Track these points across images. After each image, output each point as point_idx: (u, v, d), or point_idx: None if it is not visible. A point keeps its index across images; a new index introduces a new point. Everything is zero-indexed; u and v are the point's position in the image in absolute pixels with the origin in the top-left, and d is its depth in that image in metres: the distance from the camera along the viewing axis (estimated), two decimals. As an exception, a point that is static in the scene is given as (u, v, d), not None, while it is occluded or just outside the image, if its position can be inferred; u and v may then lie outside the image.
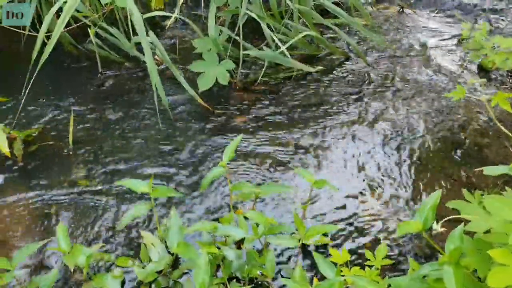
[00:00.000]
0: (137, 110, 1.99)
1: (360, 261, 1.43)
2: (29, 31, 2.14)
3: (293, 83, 2.17)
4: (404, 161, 1.79)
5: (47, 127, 1.88)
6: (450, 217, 0.97)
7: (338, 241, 1.50)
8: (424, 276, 1.06)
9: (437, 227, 0.94)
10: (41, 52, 1.79)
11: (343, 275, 1.28)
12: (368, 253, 1.40)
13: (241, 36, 2.10)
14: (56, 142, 1.82)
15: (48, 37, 1.85)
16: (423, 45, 2.48)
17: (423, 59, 2.37)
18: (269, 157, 1.80)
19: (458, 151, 1.83)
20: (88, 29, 2.10)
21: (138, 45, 2.15)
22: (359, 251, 1.46)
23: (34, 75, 1.74)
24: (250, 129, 1.91)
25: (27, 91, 1.78)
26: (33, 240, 1.48)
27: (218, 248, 1.36)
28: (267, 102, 2.06)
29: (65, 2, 1.83)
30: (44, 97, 2.01)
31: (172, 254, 1.39)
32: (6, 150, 1.64)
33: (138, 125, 1.92)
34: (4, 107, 1.95)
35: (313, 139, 1.88)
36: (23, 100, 1.87)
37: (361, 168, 1.76)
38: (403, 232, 0.98)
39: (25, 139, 1.79)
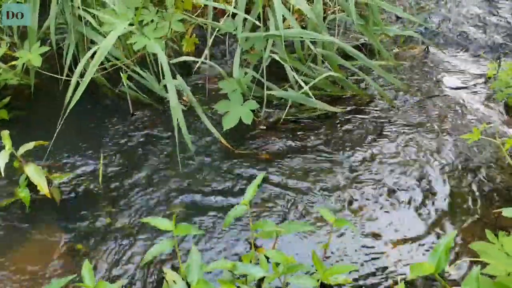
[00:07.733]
0: (164, 148, 2.07)
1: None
2: (67, 75, 2.27)
3: (317, 123, 2.21)
4: (429, 201, 1.79)
5: (81, 168, 1.97)
6: (463, 259, 0.96)
7: (359, 282, 1.50)
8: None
9: (450, 270, 0.94)
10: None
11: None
12: (387, 295, 1.39)
13: (265, 77, 2.16)
14: (88, 183, 1.91)
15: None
16: (448, 85, 2.48)
17: (448, 99, 2.37)
18: (288, 196, 1.83)
19: (485, 191, 1.82)
20: (121, 72, 2.22)
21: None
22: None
23: (63, 118, 1.84)
24: (271, 167, 1.96)
25: (59, 132, 1.88)
26: (61, 277, 1.54)
27: (238, 287, 1.38)
28: (289, 141, 2.10)
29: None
30: (78, 139, 2.11)
31: (193, 292, 1.41)
32: (46, 191, 1.72)
33: (164, 164, 1.99)
34: (42, 149, 2.04)
35: (336, 180, 1.90)
36: (52, 141, 1.95)
37: (384, 207, 1.76)
38: (415, 274, 0.98)
39: (60, 180, 1.89)
